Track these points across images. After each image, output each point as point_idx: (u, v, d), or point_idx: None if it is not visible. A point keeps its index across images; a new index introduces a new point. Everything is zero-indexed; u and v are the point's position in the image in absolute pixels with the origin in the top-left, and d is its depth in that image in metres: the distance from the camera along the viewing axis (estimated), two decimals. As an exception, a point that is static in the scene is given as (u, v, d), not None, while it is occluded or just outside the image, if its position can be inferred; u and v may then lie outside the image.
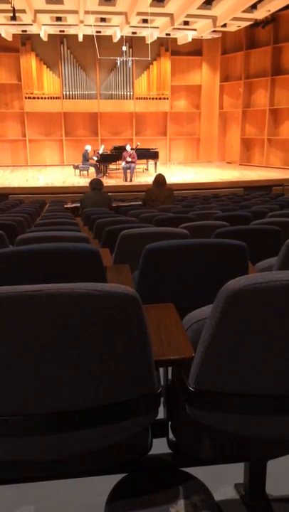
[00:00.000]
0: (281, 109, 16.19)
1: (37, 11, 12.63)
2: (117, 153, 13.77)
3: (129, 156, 13.03)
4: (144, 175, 14.45)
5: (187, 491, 1.23)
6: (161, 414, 1.26)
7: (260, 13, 13.18)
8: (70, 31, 15.28)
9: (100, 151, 14.04)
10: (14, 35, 15.57)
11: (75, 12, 12.70)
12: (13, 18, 11.39)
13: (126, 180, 13.03)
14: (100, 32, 15.03)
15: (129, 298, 0.99)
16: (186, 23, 13.94)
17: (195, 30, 14.91)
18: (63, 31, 15.35)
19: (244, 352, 1.05)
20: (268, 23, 14.73)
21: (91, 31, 13.75)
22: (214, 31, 14.98)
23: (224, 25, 14.06)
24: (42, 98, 17.05)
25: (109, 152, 14.29)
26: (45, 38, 15.51)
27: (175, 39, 16.56)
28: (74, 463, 1.26)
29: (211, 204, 7.21)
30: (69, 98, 17.25)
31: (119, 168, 14.26)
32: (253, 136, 17.43)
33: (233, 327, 1.03)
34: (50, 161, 17.74)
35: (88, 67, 17.29)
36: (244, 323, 1.02)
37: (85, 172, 14.20)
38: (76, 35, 15.67)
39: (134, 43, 17.00)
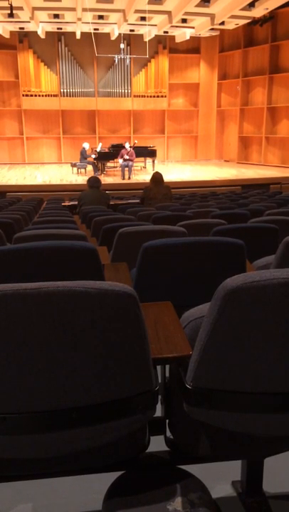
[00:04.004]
0: (279, 107, 16.18)
1: (34, 8, 12.58)
2: (115, 151, 13.74)
3: (127, 154, 13.02)
4: (142, 173, 14.44)
5: (184, 489, 1.23)
6: (158, 411, 1.26)
7: (258, 11, 13.15)
8: (68, 29, 15.21)
9: (98, 149, 14.02)
10: (11, 33, 15.50)
11: (73, 9, 12.65)
12: (11, 15, 11.34)
13: (124, 178, 13.02)
14: (97, 29, 14.97)
15: (127, 296, 0.99)
16: (184, 20, 13.90)
17: (193, 28, 14.88)
18: (61, 29, 15.28)
19: (242, 350, 1.06)
20: (266, 21, 14.70)
21: (89, 29, 13.71)
22: (212, 29, 14.93)
23: (222, 23, 14.02)
24: (39, 96, 17.00)
25: (107, 150, 14.27)
26: (42, 36, 15.46)
27: (173, 37, 16.51)
28: (72, 460, 1.26)
29: (209, 202, 7.21)
30: (67, 96, 17.20)
31: (116, 166, 14.25)
32: (250, 134, 17.42)
33: (231, 325, 1.03)
34: (47, 159, 17.70)
35: (86, 65, 17.25)
36: (242, 321, 1.02)
37: (83, 170, 14.18)
38: (74, 33, 15.63)
39: (132, 40, 16.96)
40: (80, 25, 14.29)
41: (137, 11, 12.69)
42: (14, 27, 14.63)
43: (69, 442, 1.13)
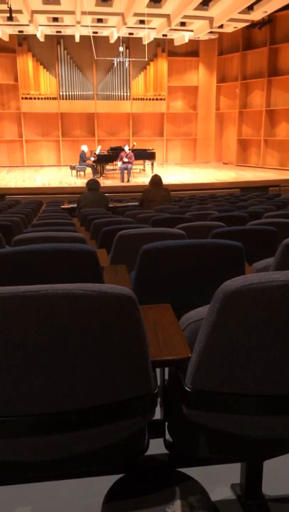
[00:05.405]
0: (277, 110, 16.22)
1: (34, 12, 12.61)
2: (114, 154, 13.76)
3: (126, 157, 13.04)
4: (141, 175, 14.45)
5: (184, 491, 1.23)
6: (157, 414, 1.26)
7: (257, 14, 13.20)
8: (67, 32, 15.26)
9: (97, 152, 14.04)
10: (11, 36, 15.54)
11: (72, 13, 12.69)
12: (10, 18, 11.36)
13: (123, 181, 13.03)
14: (96, 33, 15.02)
15: (126, 298, 0.99)
16: (182, 23, 13.94)
17: (192, 31, 14.92)
18: (60, 32, 15.34)
19: (241, 352, 1.06)
20: (265, 24, 14.77)
21: (88, 32, 13.75)
22: (211, 32, 14.98)
23: (221, 26, 14.07)
24: (39, 98, 17.04)
25: (106, 153, 14.28)
26: (41, 39, 15.49)
27: (172, 40, 16.57)
28: (71, 463, 1.26)
29: (208, 205, 7.21)
30: (66, 99, 17.23)
31: (116, 169, 14.26)
32: (249, 136, 17.46)
33: (230, 327, 1.03)
34: (46, 162, 17.72)
35: (85, 68, 17.28)
36: (241, 323, 1.02)
37: (82, 172, 14.18)
38: (73, 36, 15.66)
39: (130, 43, 17.01)
40: (79, 29, 14.33)
41: (135, 14, 12.74)
42: (13, 30, 14.67)
43: (68, 445, 1.12)
